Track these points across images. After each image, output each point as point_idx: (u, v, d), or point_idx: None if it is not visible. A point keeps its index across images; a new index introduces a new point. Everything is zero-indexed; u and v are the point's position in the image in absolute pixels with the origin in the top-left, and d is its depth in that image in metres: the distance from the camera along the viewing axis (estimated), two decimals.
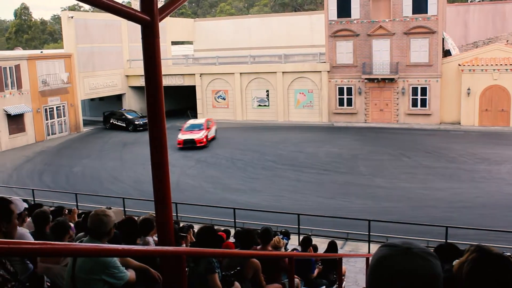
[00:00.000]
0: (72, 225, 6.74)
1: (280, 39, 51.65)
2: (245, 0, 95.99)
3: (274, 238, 8.45)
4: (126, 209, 19.95)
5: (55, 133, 41.37)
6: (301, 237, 12.76)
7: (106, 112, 45.59)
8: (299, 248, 11.40)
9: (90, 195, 23.36)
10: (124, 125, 42.99)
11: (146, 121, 41.67)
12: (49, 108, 40.88)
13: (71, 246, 3.22)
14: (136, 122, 42.52)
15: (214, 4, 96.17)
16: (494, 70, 36.46)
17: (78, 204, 21.10)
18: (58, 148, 37.38)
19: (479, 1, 68.25)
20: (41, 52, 48.00)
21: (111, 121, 44.21)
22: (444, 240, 14.82)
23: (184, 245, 7.80)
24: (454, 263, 2.38)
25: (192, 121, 37.66)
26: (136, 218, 6.65)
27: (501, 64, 36.25)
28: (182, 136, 34.84)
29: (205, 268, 5.33)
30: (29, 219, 6.67)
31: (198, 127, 35.84)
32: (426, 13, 38.54)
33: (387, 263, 1.66)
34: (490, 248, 2.23)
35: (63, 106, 42.09)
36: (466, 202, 21.74)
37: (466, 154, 29.98)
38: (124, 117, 43.67)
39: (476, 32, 46.02)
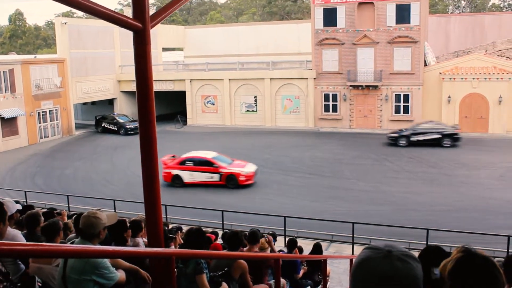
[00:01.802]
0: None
1: (268, 47, 52.44)
2: (235, 8, 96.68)
3: (261, 240, 8.67)
4: (117, 210, 19.75)
5: (48, 136, 41.85)
6: (287, 239, 13.03)
7: (98, 116, 45.95)
8: (285, 250, 11.65)
9: (81, 197, 23.47)
10: (116, 128, 43.45)
11: (137, 125, 40.93)
12: (42, 112, 41.40)
13: (63, 247, 3.28)
14: (127, 126, 42.93)
15: (204, 12, 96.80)
16: (473, 78, 37.47)
17: (70, 206, 21.40)
18: (50, 151, 37.71)
19: (460, 13, 69.69)
20: (35, 57, 48.21)
21: (103, 125, 44.61)
22: (425, 242, 15.27)
23: (173, 246, 7.95)
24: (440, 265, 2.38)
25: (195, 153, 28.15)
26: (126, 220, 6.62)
27: (480, 73, 37.27)
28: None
29: (194, 269, 5.34)
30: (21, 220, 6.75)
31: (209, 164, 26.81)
32: (409, 23, 39.55)
33: (368, 265, 1.68)
34: (476, 249, 2.21)
35: (56, 110, 42.63)
36: (446, 206, 22.14)
37: (447, 159, 30.54)
38: (115, 121, 44.09)
39: (457, 42, 47.07)
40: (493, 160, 30.27)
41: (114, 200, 21.56)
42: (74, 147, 39.08)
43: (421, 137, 34.28)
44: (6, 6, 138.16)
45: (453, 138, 34.14)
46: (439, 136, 33.99)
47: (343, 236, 18.08)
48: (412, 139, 34.27)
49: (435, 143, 33.94)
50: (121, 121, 44.08)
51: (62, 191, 25.66)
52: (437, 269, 3.23)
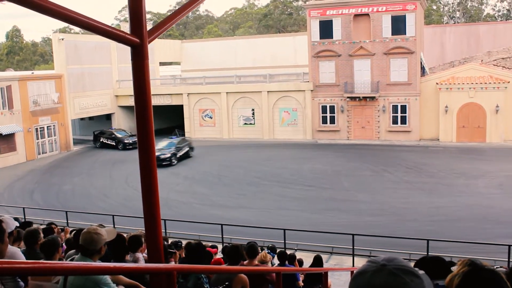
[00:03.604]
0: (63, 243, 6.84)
1: (265, 60, 52.68)
2: (231, 22, 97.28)
3: (260, 253, 8.64)
4: (115, 226, 19.87)
5: (46, 152, 41.82)
6: (288, 252, 12.95)
7: (96, 131, 45.99)
8: (276, 263, 11.65)
9: (80, 212, 23.52)
10: (114, 143, 43.45)
11: (135, 139, 40.90)
12: (40, 128, 41.42)
13: (63, 265, 3.26)
14: (125, 141, 42.99)
15: (200, 26, 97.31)
16: (470, 88, 37.63)
17: (69, 221, 21.38)
18: (48, 166, 37.67)
19: (455, 23, 70.13)
20: (32, 73, 48.27)
21: (101, 140, 44.63)
22: (426, 253, 15.17)
23: (173, 261, 7.89)
24: (446, 279, 2.34)
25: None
26: (125, 235, 6.60)
27: (476, 83, 37.44)
28: None
29: (194, 283, 5.33)
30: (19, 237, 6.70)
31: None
32: (405, 34, 39.82)
33: (361, 279, 1.64)
34: (482, 262, 2.18)
35: (54, 125, 42.64)
36: (446, 216, 22.17)
37: (445, 169, 30.62)
38: (113, 136, 44.14)
39: (452, 52, 47.31)
40: (491, 169, 30.32)
41: (113, 216, 21.48)
42: (72, 162, 39.06)
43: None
44: (3, 23, 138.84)
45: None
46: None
47: (343, 248, 18.06)
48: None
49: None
50: (119, 136, 44.13)
51: (61, 207, 25.62)
52: (440, 281, 3.18)
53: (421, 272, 2.07)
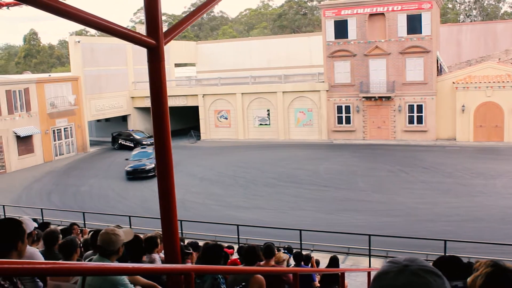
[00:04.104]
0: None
1: (280, 60, 52.69)
2: (245, 23, 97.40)
3: (277, 254, 8.66)
4: (132, 227, 19.85)
5: (63, 154, 42.28)
6: (304, 253, 12.95)
7: (114, 133, 46.28)
8: (292, 263, 11.60)
9: (97, 213, 23.74)
10: (132, 145, 43.47)
11: (153, 140, 41.06)
12: (57, 130, 41.87)
13: (82, 265, 3.27)
14: (144, 142, 42.95)
15: (215, 27, 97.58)
16: (487, 87, 37.26)
17: (86, 222, 21.44)
18: (65, 168, 38.03)
19: (471, 21, 69.45)
20: (49, 75, 48.86)
21: (119, 141, 44.92)
22: (443, 253, 14.88)
23: (190, 262, 7.90)
24: (468, 279, 2.31)
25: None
26: (141, 236, 6.64)
27: (493, 82, 37.04)
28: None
29: (211, 284, 5.33)
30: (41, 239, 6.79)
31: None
32: (421, 33, 39.55)
33: (383, 279, 1.63)
34: (505, 263, 2.16)
35: (71, 127, 43.11)
36: (463, 216, 22.01)
37: (462, 169, 30.38)
38: (132, 137, 44.41)
39: (469, 50, 46.89)
40: (509, 168, 30.00)
41: (129, 216, 21.59)
42: (89, 164, 39.37)
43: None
44: (20, 26, 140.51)
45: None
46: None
47: (359, 248, 17.98)
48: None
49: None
50: (137, 137, 44.34)
51: (78, 208, 25.81)
52: (458, 282, 3.23)
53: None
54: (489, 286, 2.07)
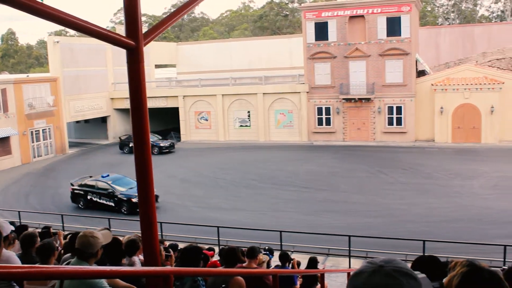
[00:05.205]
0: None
1: (261, 62, 52.75)
2: (226, 24, 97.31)
3: (258, 256, 8.44)
4: (111, 229, 20.21)
5: (41, 155, 41.71)
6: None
7: (123, 136, 43.69)
8: (279, 263, 11.57)
9: (75, 215, 23.52)
10: None
11: (170, 143, 40.61)
12: (35, 131, 41.31)
13: (60, 269, 3.24)
14: (162, 145, 41.24)
15: (196, 28, 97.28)
16: (465, 89, 37.77)
17: (64, 224, 21.27)
18: (44, 170, 37.59)
19: (449, 24, 70.37)
20: (27, 76, 48.26)
21: (130, 145, 41.00)
22: (422, 254, 14.72)
23: (170, 264, 7.82)
24: (444, 279, 2.34)
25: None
26: (121, 238, 6.51)
27: (471, 84, 37.60)
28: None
29: (190, 286, 5.29)
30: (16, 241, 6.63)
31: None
32: (400, 35, 39.94)
33: (357, 279, 1.64)
34: (481, 263, 2.20)
35: (49, 128, 42.58)
36: (442, 216, 22.31)
37: (441, 170, 30.77)
38: None
39: (447, 53, 47.50)
40: (486, 169, 30.45)
41: (109, 219, 21.49)
42: (68, 165, 38.91)
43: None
44: None
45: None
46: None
47: (339, 249, 18.08)
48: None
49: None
50: (152, 139, 41.77)
51: (56, 210, 25.54)
52: (434, 283, 3.20)
53: (422, 275, 2.09)
54: (465, 285, 2.09)
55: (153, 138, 42.47)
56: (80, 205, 26.70)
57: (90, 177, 27.82)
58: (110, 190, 25.88)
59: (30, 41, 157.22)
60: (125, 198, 25.35)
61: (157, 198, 24.90)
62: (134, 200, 24.24)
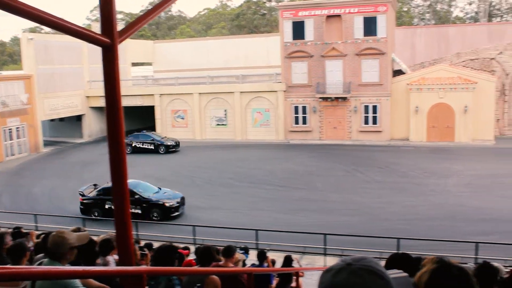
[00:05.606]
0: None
1: (238, 60, 52.70)
2: (203, 22, 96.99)
3: (235, 255, 8.48)
4: (86, 228, 19.81)
5: (14, 154, 41.06)
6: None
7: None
8: (257, 262, 11.69)
9: (49, 215, 23.10)
10: (153, 147, 40.20)
11: (176, 141, 39.88)
12: (8, 129, 40.62)
13: (31, 269, 3.17)
14: (168, 143, 40.37)
15: (173, 26, 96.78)
16: (439, 89, 38.35)
17: (38, 224, 21.09)
18: (17, 169, 36.99)
19: (425, 25, 71.25)
20: (0, 73, 47.62)
21: (133, 145, 40.30)
22: (396, 251, 14.78)
23: (145, 263, 7.81)
24: (415, 276, 2.34)
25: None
26: (95, 238, 6.50)
27: (446, 84, 38.18)
28: None
29: (165, 286, 5.29)
30: None
31: None
32: (376, 35, 40.30)
33: (324, 276, 1.65)
34: (450, 260, 2.23)
35: (23, 127, 41.92)
36: (417, 214, 22.63)
37: (416, 168, 31.15)
38: (152, 139, 40.81)
39: (423, 53, 48.00)
40: (460, 168, 30.94)
41: (83, 218, 21.29)
42: (42, 164, 38.38)
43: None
44: None
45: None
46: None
47: (315, 247, 18.27)
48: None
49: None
50: (157, 139, 41.10)
51: (30, 209, 25.12)
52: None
53: (404, 274, 2.09)
54: (433, 282, 2.11)
55: (157, 137, 41.80)
56: (94, 216, 23.66)
57: (95, 185, 24.96)
58: (136, 196, 23.07)
59: (3, 38, 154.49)
60: (160, 203, 23.17)
61: (183, 200, 24.18)
62: (168, 204, 23.13)
